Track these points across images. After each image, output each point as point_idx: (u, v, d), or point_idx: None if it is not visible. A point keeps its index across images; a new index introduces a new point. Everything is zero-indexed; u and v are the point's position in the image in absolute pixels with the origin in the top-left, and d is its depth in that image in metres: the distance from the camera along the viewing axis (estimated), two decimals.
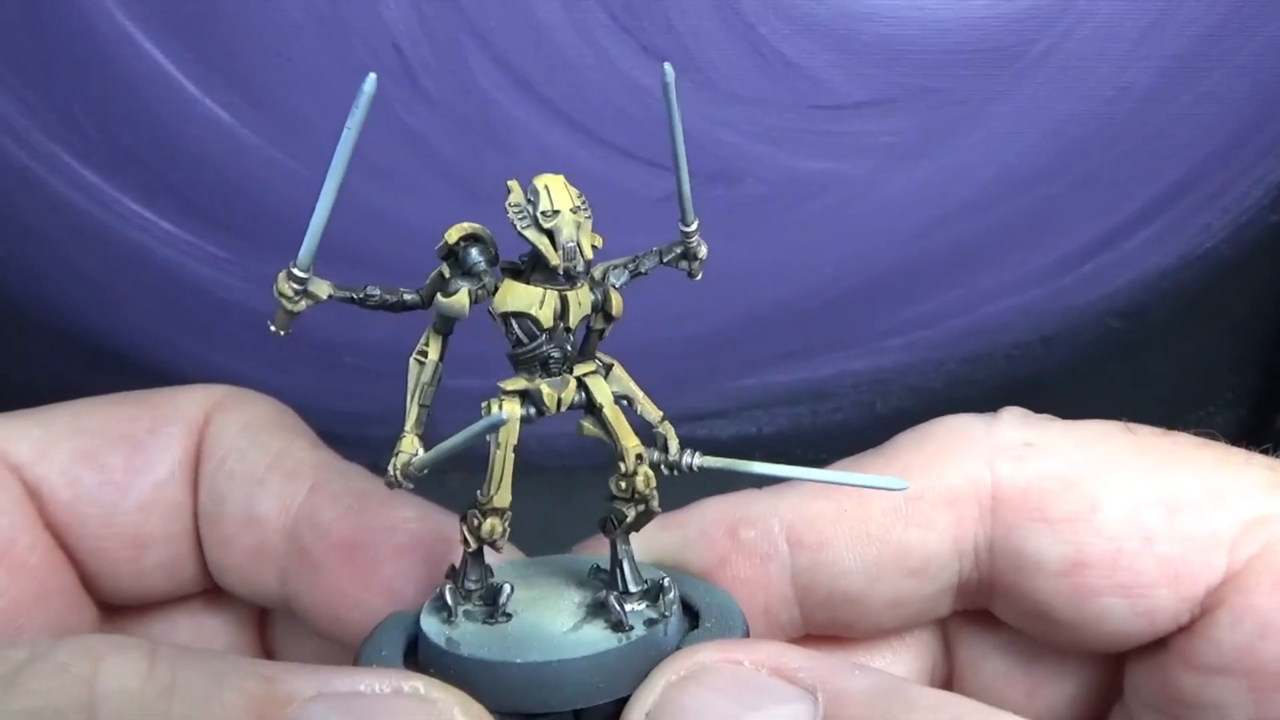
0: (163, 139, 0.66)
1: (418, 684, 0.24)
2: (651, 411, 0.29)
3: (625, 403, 0.29)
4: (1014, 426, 0.33)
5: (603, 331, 0.29)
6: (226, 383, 0.60)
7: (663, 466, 0.29)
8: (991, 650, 0.35)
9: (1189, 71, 0.66)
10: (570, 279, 0.27)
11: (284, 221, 0.67)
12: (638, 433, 0.28)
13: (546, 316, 0.27)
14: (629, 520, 0.28)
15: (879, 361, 0.73)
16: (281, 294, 0.26)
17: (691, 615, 0.29)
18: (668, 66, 0.25)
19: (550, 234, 0.26)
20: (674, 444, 0.29)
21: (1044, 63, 0.65)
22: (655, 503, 0.28)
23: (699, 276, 0.30)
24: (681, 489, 0.30)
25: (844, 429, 0.74)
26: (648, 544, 0.33)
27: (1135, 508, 0.30)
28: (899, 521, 0.32)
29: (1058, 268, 0.71)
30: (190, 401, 0.36)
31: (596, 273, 0.28)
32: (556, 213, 0.26)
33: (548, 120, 0.65)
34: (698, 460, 0.29)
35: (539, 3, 0.63)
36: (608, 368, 0.29)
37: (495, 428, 0.25)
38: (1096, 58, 0.65)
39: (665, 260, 0.29)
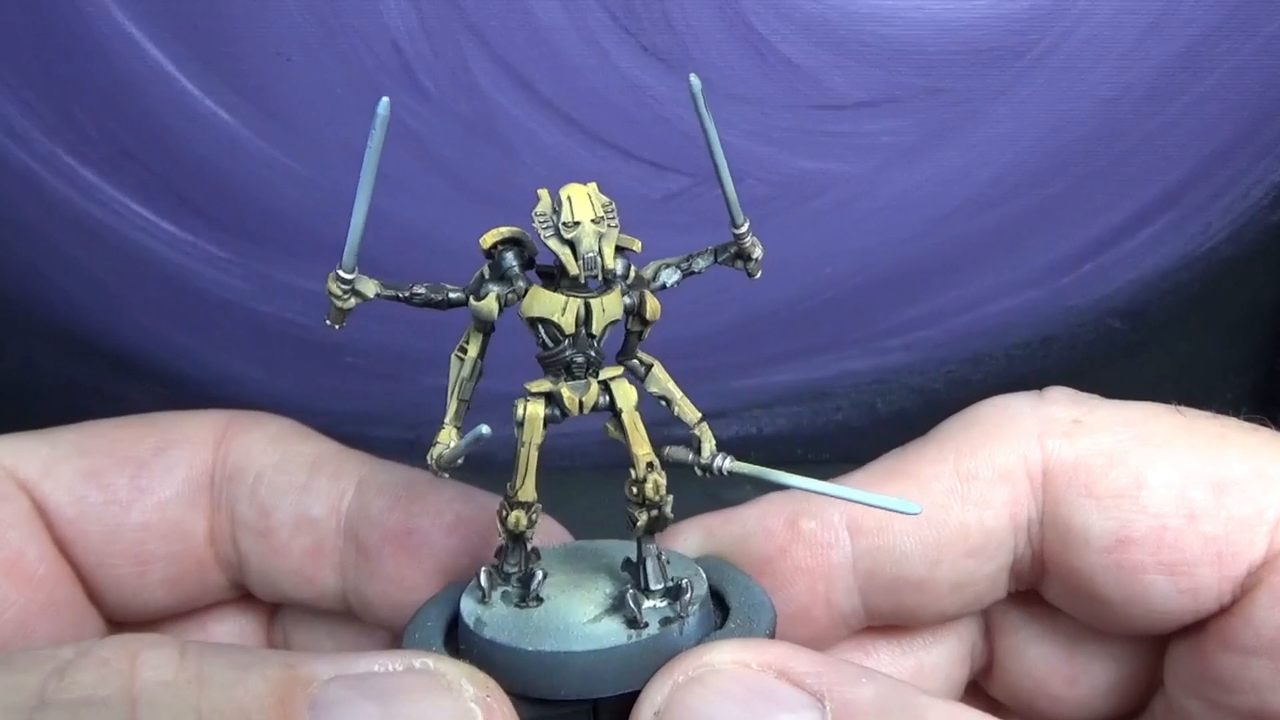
0: (163, 139, 0.66)
1: (427, 660, 0.25)
2: (689, 413, 0.30)
3: (664, 403, 0.30)
4: (1062, 404, 0.33)
5: (640, 333, 0.30)
6: (226, 382, 0.61)
7: (696, 468, 0.30)
8: (1034, 637, 0.35)
9: (1189, 71, 0.66)
10: (592, 287, 0.28)
11: (284, 221, 0.67)
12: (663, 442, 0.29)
13: (569, 323, 0.28)
14: (640, 524, 0.29)
15: (879, 361, 0.73)
16: (331, 293, 0.27)
17: (725, 612, 0.30)
18: (694, 78, 0.26)
19: (571, 244, 0.27)
20: (708, 447, 0.30)
21: (1044, 63, 0.65)
22: (668, 509, 0.29)
23: (758, 275, 0.30)
24: (717, 489, 0.31)
25: (844, 429, 0.74)
26: (710, 536, 0.34)
27: (1181, 486, 0.30)
28: (956, 502, 0.32)
29: (1058, 268, 0.71)
30: (196, 426, 0.37)
31: (648, 272, 0.29)
32: (578, 224, 0.27)
33: (548, 120, 0.65)
34: (728, 465, 0.30)
35: (539, 3, 0.63)
36: (648, 368, 0.30)
37: (478, 440, 0.26)
38: (1097, 58, 0.65)
39: (720, 260, 0.30)
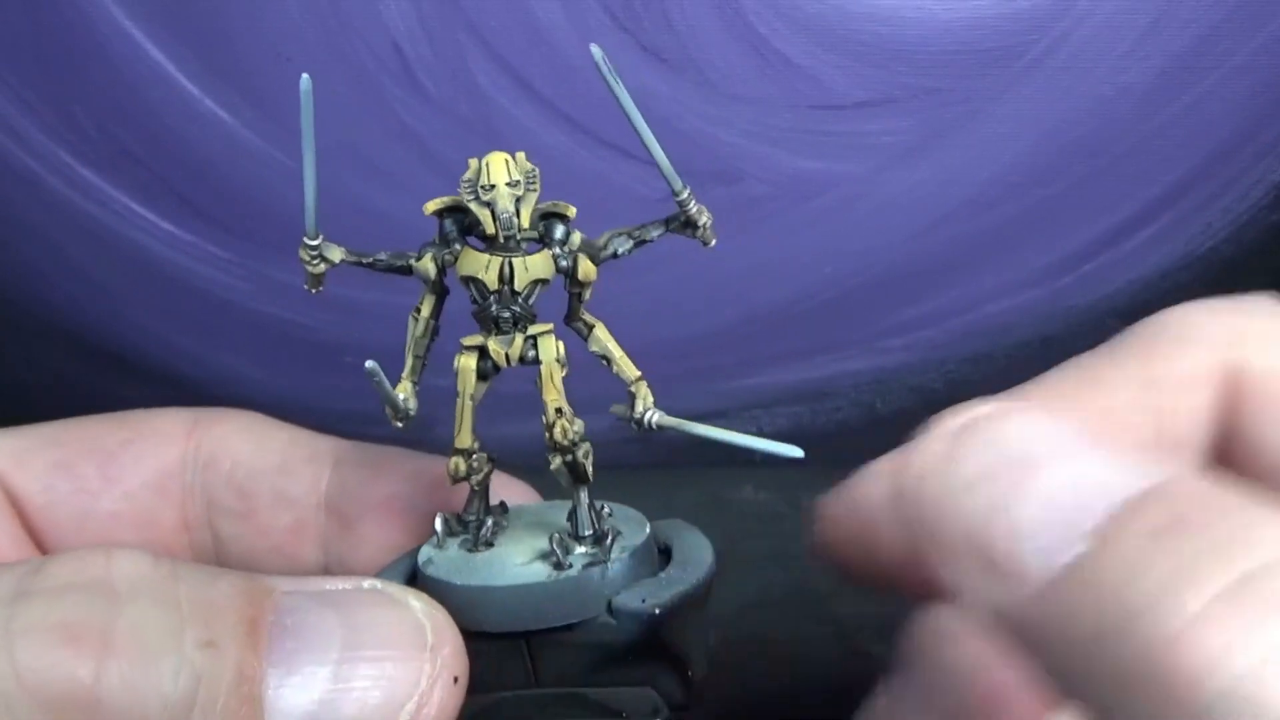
0: (163, 139, 0.66)
1: (375, 581, 0.28)
2: (628, 371, 0.32)
3: (605, 362, 0.32)
4: (1262, 314, 0.31)
5: (579, 294, 0.32)
6: (226, 382, 0.61)
7: (631, 423, 0.32)
8: None
9: (1189, 71, 0.66)
10: (511, 247, 0.30)
11: (284, 221, 0.67)
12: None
13: (491, 280, 0.30)
14: (554, 467, 0.30)
15: (879, 361, 0.73)
16: (301, 259, 0.31)
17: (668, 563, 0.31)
18: (594, 47, 0.29)
19: (489, 205, 0.29)
20: (640, 404, 0.32)
21: (1044, 63, 0.66)
22: (581, 455, 0.30)
23: (712, 243, 0.32)
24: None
25: (844, 429, 0.74)
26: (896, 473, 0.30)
27: None
28: (1140, 409, 0.30)
29: (1058, 268, 0.71)
30: (166, 421, 0.38)
31: (601, 240, 0.31)
32: (493, 186, 0.29)
33: (548, 120, 0.65)
34: (656, 419, 0.32)
35: (539, 3, 0.63)
36: (590, 328, 0.32)
37: (371, 377, 0.29)
38: (1096, 58, 0.65)
39: (671, 228, 0.32)
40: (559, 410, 0.30)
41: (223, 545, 0.38)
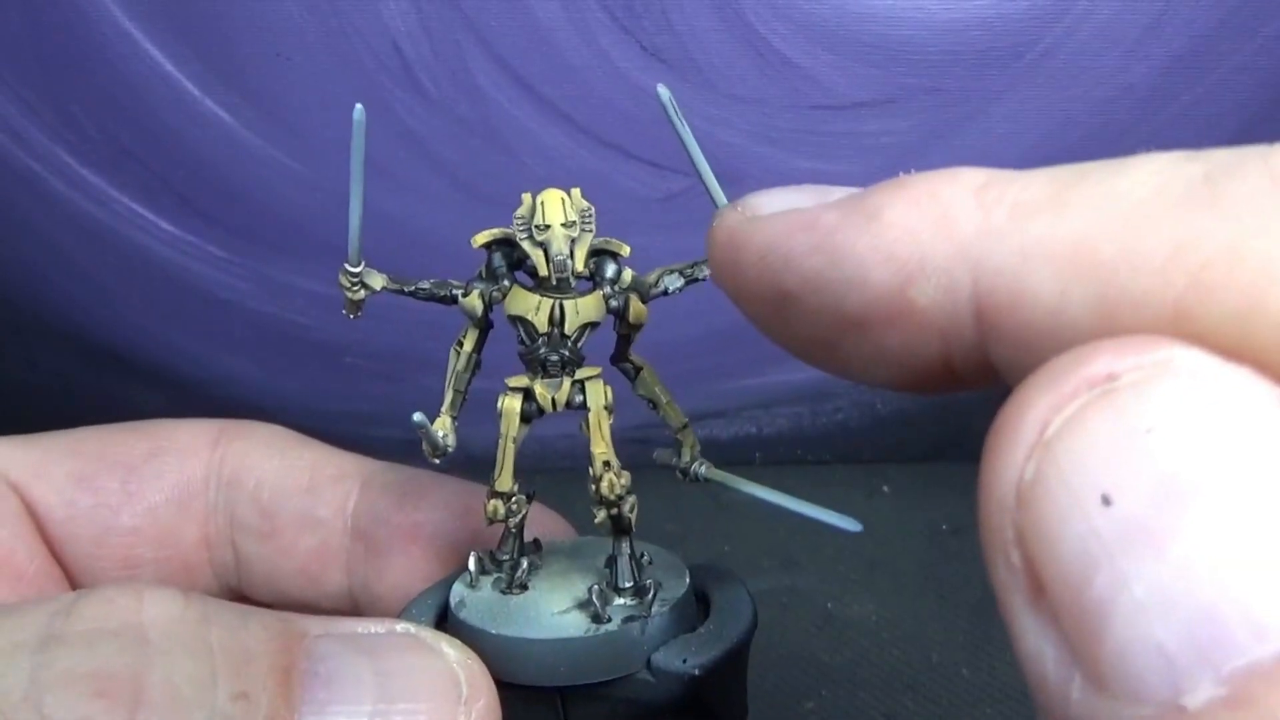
0: (163, 139, 0.66)
1: (409, 626, 0.27)
2: (674, 418, 0.31)
3: (651, 406, 0.31)
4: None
5: (628, 336, 0.31)
6: (226, 382, 0.61)
7: (677, 471, 0.31)
8: None
9: (1189, 71, 0.66)
10: (563, 289, 0.29)
11: (284, 221, 0.67)
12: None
13: (541, 322, 0.29)
14: (599, 520, 0.30)
15: None
16: (341, 285, 0.30)
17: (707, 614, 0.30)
18: (662, 88, 0.27)
19: (543, 246, 0.28)
20: (688, 452, 0.31)
21: (1044, 63, 0.66)
22: (628, 509, 0.29)
23: None
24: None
25: (844, 429, 0.74)
26: None
27: None
28: None
29: None
30: (187, 433, 0.37)
31: (651, 277, 0.30)
32: (548, 227, 0.28)
33: (548, 120, 0.65)
34: (704, 471, 0.31)
35: (539, 3, 0.63)
36: (637, 370, 0.31)
37: (418, 428, 0.28)
38: (1097, 58, 0.65)
39: None
40: (607, 464, 0.29)
41: (245, 564, 0.37)
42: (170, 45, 0.64)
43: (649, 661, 0.28)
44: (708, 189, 0.28)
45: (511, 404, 0.30)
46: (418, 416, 0.28)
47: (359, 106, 0.26)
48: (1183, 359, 0.15)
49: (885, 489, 0.67)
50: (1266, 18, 0.64)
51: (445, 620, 0.30)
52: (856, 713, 0.48)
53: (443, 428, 0.30)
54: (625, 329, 0.30)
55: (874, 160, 0.68)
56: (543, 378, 0.30)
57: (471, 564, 0.30)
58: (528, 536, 0.32)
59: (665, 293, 0.30)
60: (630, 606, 0.29)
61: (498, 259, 0.29)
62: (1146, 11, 0.64)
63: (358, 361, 0.71)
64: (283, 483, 0.36)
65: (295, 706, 0.23)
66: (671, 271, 0.30)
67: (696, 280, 0.30)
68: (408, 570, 0.35)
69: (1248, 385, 0.15)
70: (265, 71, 0.64)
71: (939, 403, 0.74)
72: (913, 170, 0.22)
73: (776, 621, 0.53)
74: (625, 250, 0.29)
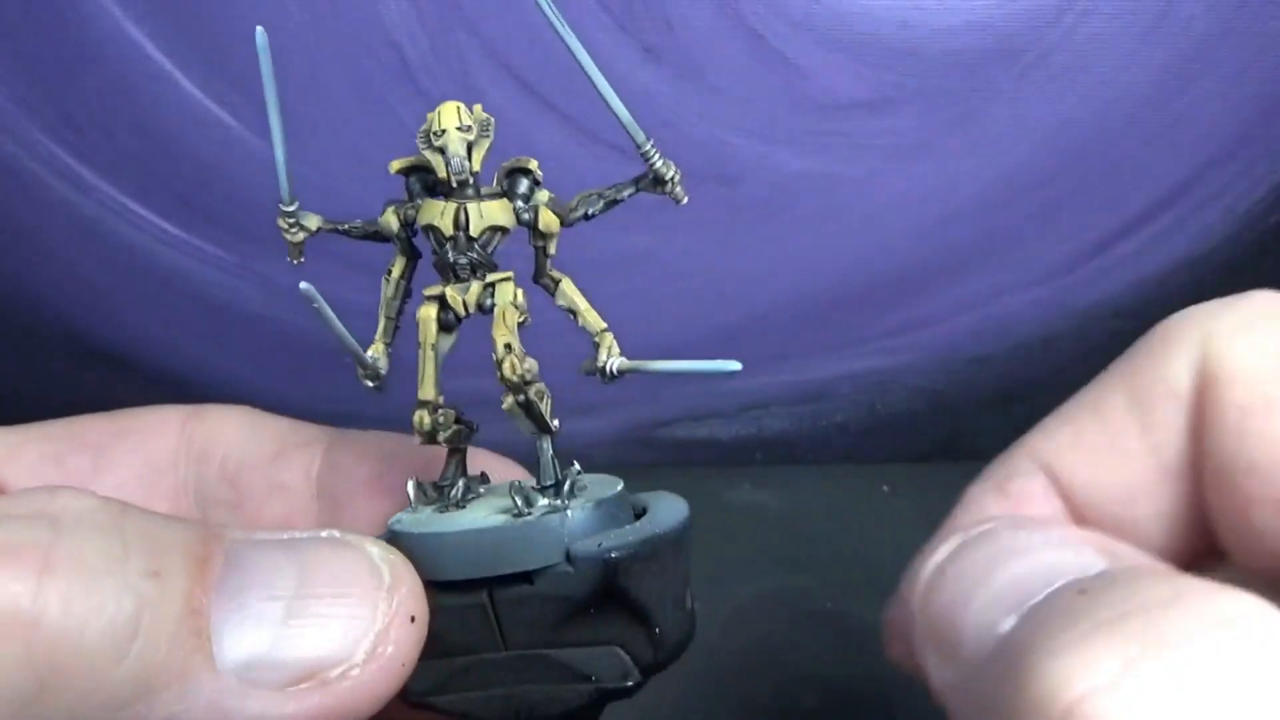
0: (163, 139, 0.66)
1: (334, 531, 0.27)
2: (593, 323, 0.32)
3: (571, 315, 0.32)
4: (1244, 309, 0.28)
5: (544, 248, 0.32)
6: (226, 383, 0.61)
7: (597, 374, 0.31)
8: None
9: (1189, 72, 0.66)
10: (465, 192, 0.30)
11: None
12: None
13: (447, 225, 0.30)
14: (507, 405, 0.30)
15: (879, 361, 0.73)
16: (280, 227, 0.31)
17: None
18: (260, 30, 0.29)
19: (441, 150, 0.29)
20: (602, 353, 0.31)
21: (1044, 63, 0.65)
22: (533, 393, 0.30)
23: (684, 200, 0.31)
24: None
25: (844, 429, 0.74)
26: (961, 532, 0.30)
27: None
28: (1131, 429, 0.28)
29: (1058, 268, 0.71)
30: (159, 416, 0.38)
31: (574, 200, 0.31)
32: (444, 131, 0.29)
33: (547, 120, 0.65)
34: (616, 363, 0.31)
35: None
36: (556, 283, 0.32)
37: (307, 300, 0.28)
38: (1097, 58, 0.65)
39: (641, 187, 0.31)
40: (508, 346, 0.29)
41: None
42: (170, 45, 0.64)
43: (568, 554, 0.28)
44: (607, 104, 0.31)
45: (427, 311, 0.30)
46: (304, 286, 0.27)
47: (260, 29, 0.28)
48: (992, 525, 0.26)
49: (885, 489, 0.67)
50: (1267, 17, 0.64)
51: None
52: (857, 712, 0.48)
53: (376, 352, 0.31)
54: (539, 240, 0.31)
55: (874, 161, 0.68)
56: (454, 282, 0.30)
57: (411, 490, 0.31)
58: (474, 473, 0.32)
59: (586, 216, 0.31)
60: (552, 506, 0.29)
61: (413, 182, 0.31)
62: (1147, 12, 0.64)
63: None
64: (249, 453, 0.37)
65: (211, 588, 0.24)
66: (591, 194, 0.31)
67: (617, 202, 0.31)
68: (369, 520, 0.35)
69: None
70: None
71: (938, 403, 0.74)
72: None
73: (776, 621, 0.53)
74: (533, 164, 0.31)
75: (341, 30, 0.64)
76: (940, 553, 0.25)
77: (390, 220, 0.31)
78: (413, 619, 0.26)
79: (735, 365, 0.30)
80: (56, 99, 0.65)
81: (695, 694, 0.49)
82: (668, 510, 0.30)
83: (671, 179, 0.31)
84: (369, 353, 0.31)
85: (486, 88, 0.65)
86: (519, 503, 0.29)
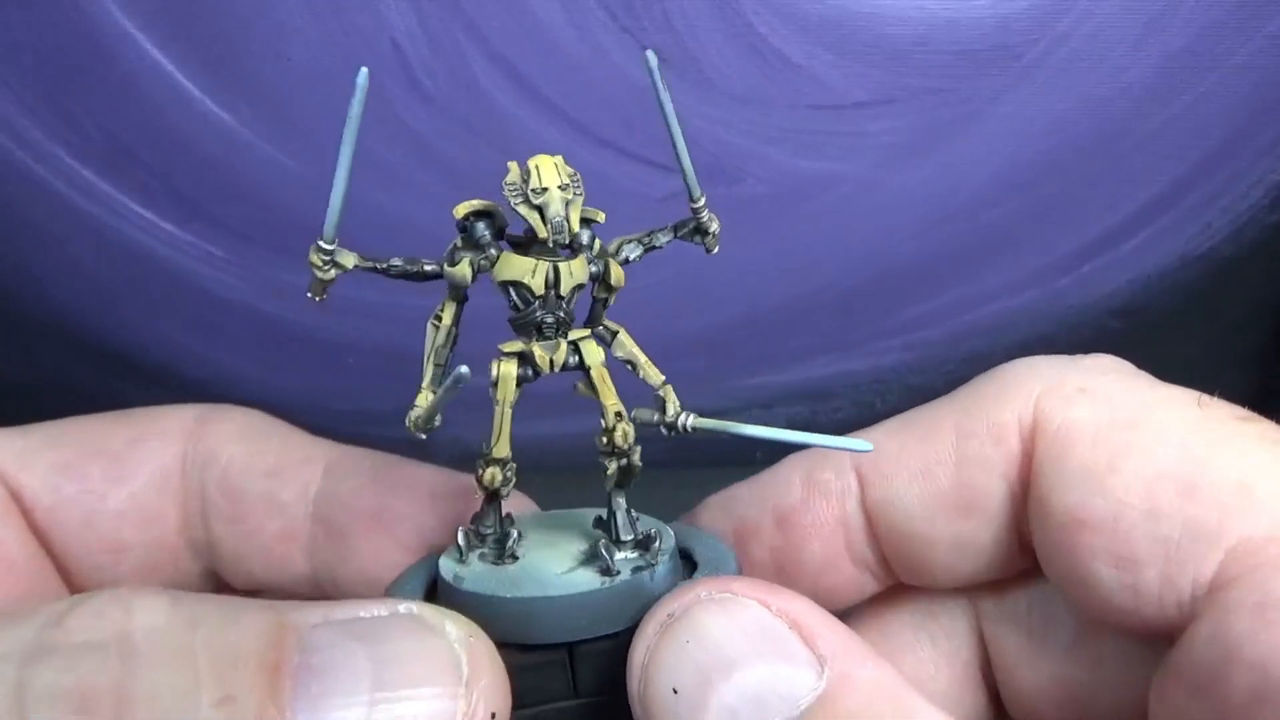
0: (163, 139, 0.66)
1: (410, 605, 0.26)
2: (654, 376, 0.31)
3: (630, 367, 0.31)
4: (1083, 371, 0.31)
5: (606, 300, 0.31)
6: (226, 382, 0.60)
7: (662, 428, 0.31)
8: (1033, 629, 0.33)
9: (1188, 71, 0.66)
10: (560, 251, 0.29)
11: (284, 221, 0.67)
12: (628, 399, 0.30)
13: (538, 285, 0.29)
14: (610, 473, 0.30)
15: (879, 361, 0.73)
16: (312, 264, 0.29)
17: (693, 568, 0.31)
18: (650, 54, 0.27)
19: (540, 209, 0.28)
20: (671, 407, 0.31)
21: (1044, 62, 0.66)
22: (636, 457, 0.30)
23: (715, 250, 0.31)
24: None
25: (844, 429, 0.73)
26: (733, 500, 0.35)
27: (1152, 479, 0.28)
28: (950, 458, 0.32)
29: (1057, 268, 0.71)
30: (170, 419, 0.38)
31: (611, 247, 0.31)
32: (545, 190, 0.28)
33: (548, 120, 0.65)
34: (691, 421, 0.31)
35: (539, 2, 0.63)
36: (613, 334, 0.31)
37: (458, 383, 0.27)
38: (1096, 58, 0.65)
39: (679, 234, 0.31)
40: (619, 414, 0.29)
41: (215, 546, 0.37)
42: (171, 45, 0.64)
43: None
44: (680, 164, 0.29)
45: (508, 369, 0.29)
46: (464, 370, 0.26)
47: (363, 70, 0.26)
48: (703, 595, 0.26)
49: None
50: (1266, 18, 0.64)
51: (435, 596, 0.30)
52: None
53: (425, 401, 0.30)
54: (604, 292, 0.31)
55: (874, 160, 0.68)
56: (538, 340, 0.30)
57: (461, 540, 0.30)
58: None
59: (625, 261, 0.31)
60: (634, 559, 0.29)
61: (481, 228, 0.29)
62: (1146, 11, 0.65)
63: (360, 363, 0.71)
64: (249, 466, 0.37)
65: (285, 704, 0.23)
66: (631, 240, 0.31)
67: (655, 248, 0.31)
68: (374, 556, 0.35)
69: (751, 607, 0.26)
70: (265, 71, 0.64)
71: None
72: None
73: None
74: (600, 217, 0.30)
75: (341, 30, 0.64)
76: (649, 632, 0.26)
77: (465, 272, 0.29)
78: (493, 716, 0.25)
79: (867, 446, 0.30)
80: (56, 99, 0.65)
81: None
82: (721, 558, 0.31)
83: (714, 233, 0.31)
84: (416, 402, 0.30)
85: (486, 87, 0.65)
86: (608, 559, 0.29)
